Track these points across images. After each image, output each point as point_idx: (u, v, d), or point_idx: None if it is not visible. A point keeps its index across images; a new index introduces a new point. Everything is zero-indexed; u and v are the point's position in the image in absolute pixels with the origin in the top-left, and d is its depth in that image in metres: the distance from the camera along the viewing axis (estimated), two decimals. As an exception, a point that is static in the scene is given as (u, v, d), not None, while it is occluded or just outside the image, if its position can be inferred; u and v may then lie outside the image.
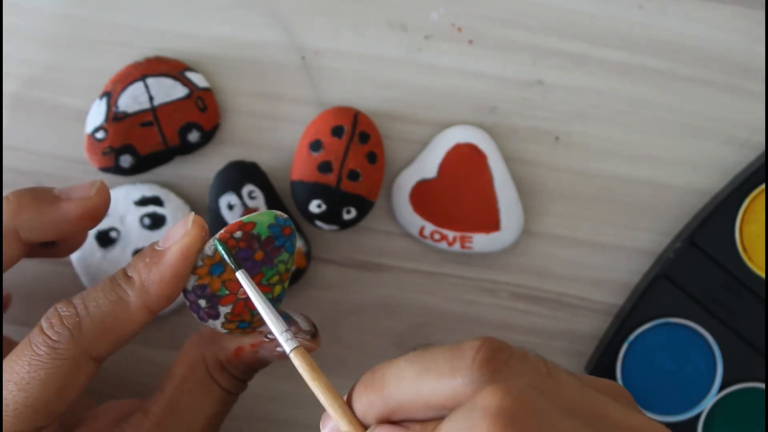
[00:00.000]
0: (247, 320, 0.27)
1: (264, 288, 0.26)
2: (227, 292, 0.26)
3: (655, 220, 0.39)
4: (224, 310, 0.26)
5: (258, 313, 0.26)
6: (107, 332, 0.25)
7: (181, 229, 0.26)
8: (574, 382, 0.21)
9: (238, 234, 0.25)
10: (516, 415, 0.19)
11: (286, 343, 0.24)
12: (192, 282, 0.25)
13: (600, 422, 0.20)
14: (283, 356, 0.28)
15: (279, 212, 0.26)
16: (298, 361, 0.24)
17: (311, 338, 0.27)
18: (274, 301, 0.27)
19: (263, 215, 0.26)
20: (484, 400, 0.19)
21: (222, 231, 0.25)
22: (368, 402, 0.23)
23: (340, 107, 0.37)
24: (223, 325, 0.26)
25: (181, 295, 0.26)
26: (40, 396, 0.25)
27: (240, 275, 0.25)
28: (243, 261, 0.25)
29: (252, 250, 0.25)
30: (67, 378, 0.25)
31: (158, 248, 0.26)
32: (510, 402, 0.19)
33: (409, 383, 0.22)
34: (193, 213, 0.26)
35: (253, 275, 0.25)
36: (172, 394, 0.28)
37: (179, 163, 0.37)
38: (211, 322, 0.26)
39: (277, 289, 0.27)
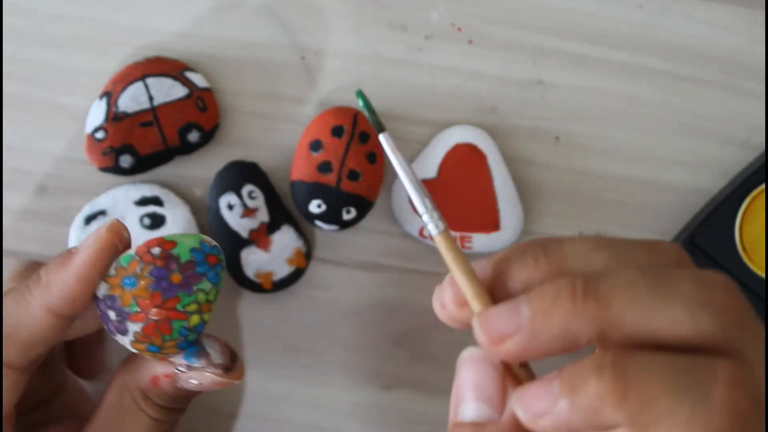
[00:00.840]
0: (158, 345, 0.25)
1: (178, 314, 0.24)
2: (138, 309, 0.24)
3: (655, 220, 0.39)
4: (133, 327, 0.24)
5: (168, 340, 0.24)
6: (12, 336, 0.24)
7: (96, 233, 0.25)
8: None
9: (156, 250, 0.24)
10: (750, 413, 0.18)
11: (428, 225, 0.22)
12: (103, 290, 0.24)
13: None
14: (206, 388, 0.26)
15: (207, 238, 0.25)
16: (441, 242, 0.22)
17: (224, 372, 0.25)
18: (189, 331, 0.25)
19: (188, 237, 0.24)
20: (734, 373, 0.18)
21: (141, 244, 0.24)
22: (576, 318, 0.19)
23: (340, 107, 0.37)
24: (131, 343, 0.25)
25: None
26: None
27: (382, 138, 0.22)
28: (158, 280, 0.24)
29: (169, 271, 0.24)
30: None
31: (73, 250, 0.25)
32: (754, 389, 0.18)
33: (644, 307, 0.18)
34: (116, 219, 0.25)
35: (167, 298, 0.24)
36: (102, 423, 0.27)
37: (179, 163, 0.37)
38: (119, 337, 0.25)
39: (194, 318, 0.25)
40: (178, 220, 0.36)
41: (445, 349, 0.39)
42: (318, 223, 0.36)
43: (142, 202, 0.36)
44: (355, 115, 0.36)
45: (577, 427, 0.18)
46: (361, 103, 0.23)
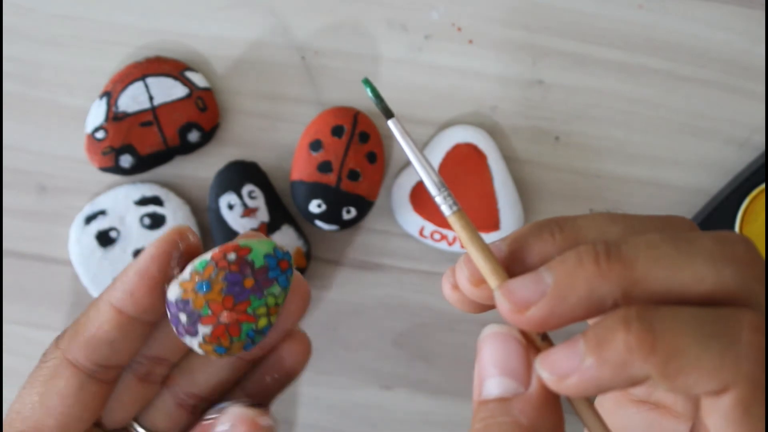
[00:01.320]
0: (225, 346, 0.26)
1: (248, 317, 0.25)
2: (210, 312, 0.25)
3: (655, 220, 0.39)
4: (204, 330, 0.25)
5: (236, 342, 0.25)
6: (79, 333, 0.24)
7: (162, 233, 0.25)
8: None
9: (232, 256, 0.25)
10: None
11: (441, 206, 0.23)
12: (176, 294, 0.25)
13: None
14: None
15: (280, 245, 0.26)
16: (455, 222, 0.22)
17: (250, 406, 0.25)
18: (257, 333, 0.26)
19: (262, 243, 0.25)
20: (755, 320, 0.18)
21: (216, 250, 0.25)
22: (600, 279, 0.19)
23: (340, 107, 0.37)
24: (200, 345, 0.26)
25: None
26: (26, 401, 0.24)
27: (391, 123, 0.23)
28: (231, 285, 0.25)
29: (243, 276, 0.25)
30: (48, 384, 0.24)
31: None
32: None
33: (668, 265, 0.18)
34: (186, 225, 0.25)
35: (239, 302, 0.25)
36: None
37: (179, 163, 0.37)
38: (188, 338, 0.26)
39: (263, 321, 0.26)
40: (178, 220, 0.37)
41: (445, 349, 0.39)
42: (318, 223, 0.36)
43: (142, 201, 0.36)
44: (355, 115, 0.36)
45: (605, 383, 0.18)
46: (368, 90, 0.23)
